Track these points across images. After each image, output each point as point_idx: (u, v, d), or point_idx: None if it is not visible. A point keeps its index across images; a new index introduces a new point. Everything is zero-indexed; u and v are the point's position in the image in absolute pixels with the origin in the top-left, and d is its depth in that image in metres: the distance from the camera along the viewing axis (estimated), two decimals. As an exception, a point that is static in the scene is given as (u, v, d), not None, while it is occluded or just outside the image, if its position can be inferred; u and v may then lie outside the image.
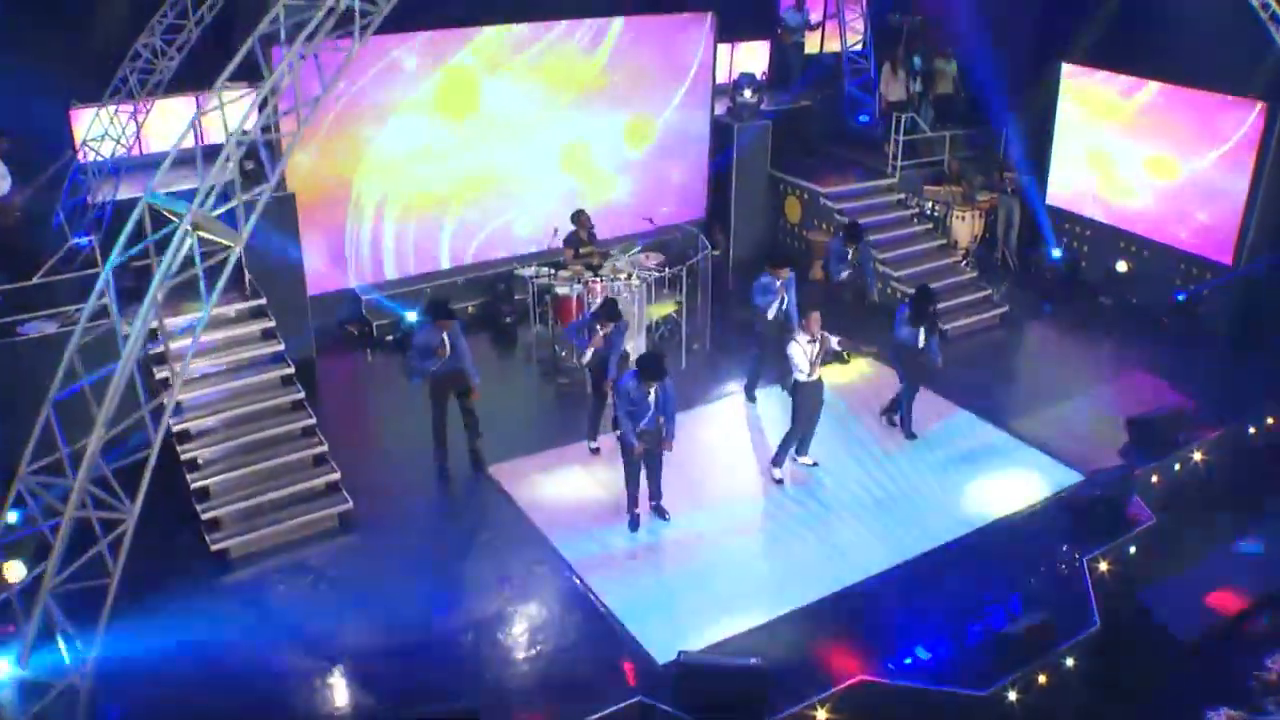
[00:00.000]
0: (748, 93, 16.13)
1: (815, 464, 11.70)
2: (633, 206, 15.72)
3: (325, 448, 11.09)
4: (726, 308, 15.16)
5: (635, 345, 13.15)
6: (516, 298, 14.86)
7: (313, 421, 11.26)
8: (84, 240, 11.60)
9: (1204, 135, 14.64)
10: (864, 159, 17.23)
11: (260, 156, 10.01)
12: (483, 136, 14.89)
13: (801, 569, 10.14)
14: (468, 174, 14.98)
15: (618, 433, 10.60)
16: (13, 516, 7.98)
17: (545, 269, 13.72)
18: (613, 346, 11.62)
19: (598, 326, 11.54)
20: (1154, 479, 11.52)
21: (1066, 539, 10.59)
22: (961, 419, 12.57)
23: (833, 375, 13.28)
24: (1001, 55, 15.99)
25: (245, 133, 7.74)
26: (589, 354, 11.72)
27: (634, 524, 10.72)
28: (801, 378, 11.14)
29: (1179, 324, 14.94)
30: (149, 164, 11.33)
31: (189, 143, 8.16)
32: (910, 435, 12.24)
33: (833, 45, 18.99)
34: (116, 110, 12.02)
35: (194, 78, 11.17)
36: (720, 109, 16.68)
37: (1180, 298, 14.94)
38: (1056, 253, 16.36)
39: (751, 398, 13.05)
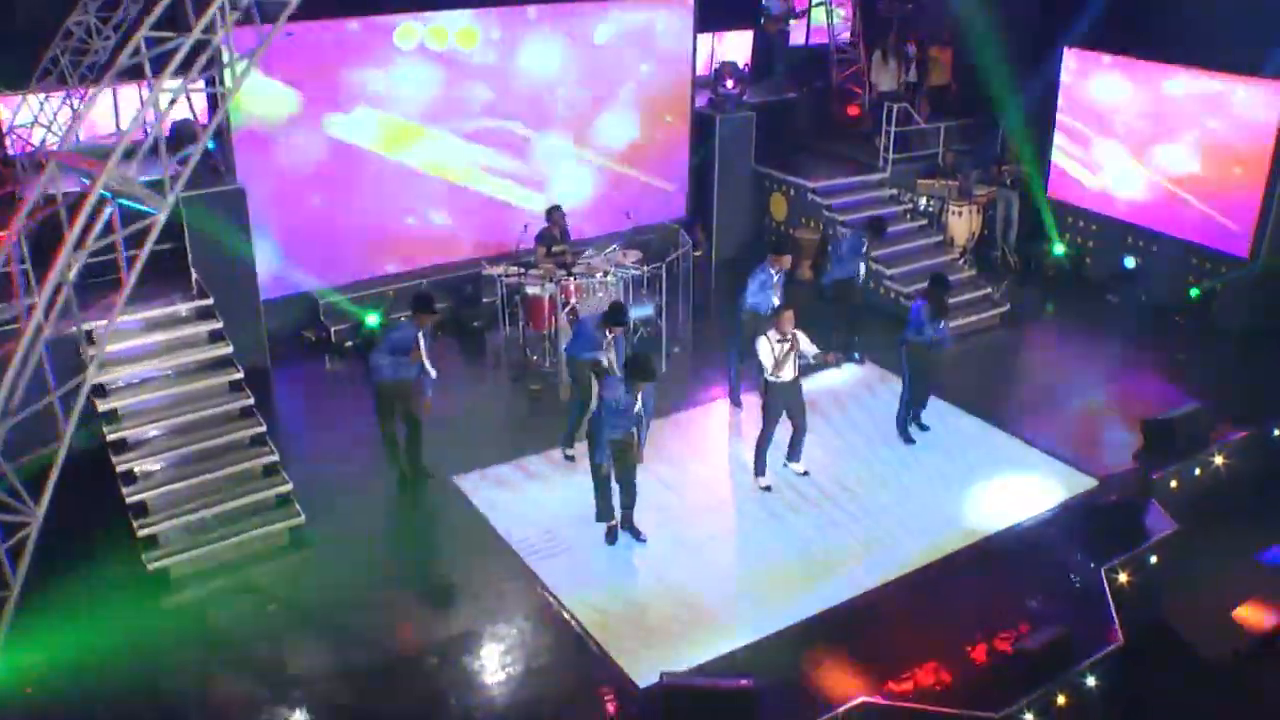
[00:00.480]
0: (729, 83, 15.74)
1: (806, 472, 11.22)
2: (608, 205, 15.31)
3: (276, 457, 10.55)
4: (709, 310, 14.78)
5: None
6: (484, 301, 14.38)
7: (263, 429, 10.72)
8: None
9: (1218, 121, 14.32)
10: (854, 153, 16.88)
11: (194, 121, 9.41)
12: (450, 130, 14.47)
13: (794, 583, 9.66)
14: (433, 171, 14.55)
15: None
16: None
17: (515, 268, 13.27)
18: (617, 352, 11.07)
19: (607, 332, 10.96)
20: (1172, 484, 11.06)
21: (1081, 548, 10.13)
22: (964, 423, 12.17)
23: (828, 378, 13.03)
24: (999, 42, 15.63)
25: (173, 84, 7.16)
26: (604, 359, 11.08)
27: (612, 537, 10.21)
28: (769, 377, 10.69)
29: (1193, 322, 14.60)
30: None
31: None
32: (909, 440, 11.83)
33: (819, 35, 18.67)
34: (47, 96, 11.51)
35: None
36: (701, 101, 16.30)
37: (1194, 294, 14.59)
38: (1059, 249, 16.03)
39: (737, 402, 12.59)
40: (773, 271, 12.03)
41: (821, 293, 13.62)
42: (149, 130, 7.13)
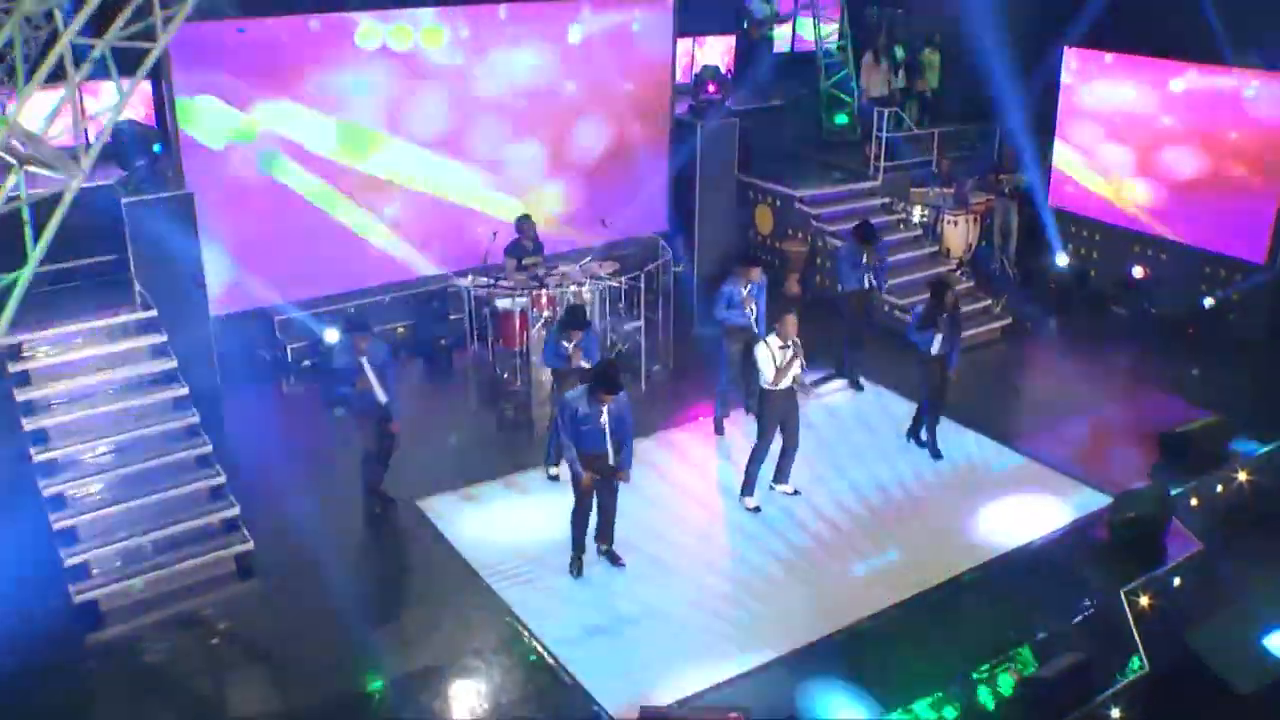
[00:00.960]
0: (711, 88, 15.36)
1: (796, 492, 10.71)
2: (584, 216, 14.82)
3: (223, 479, 9.99)
4: (692, 327, 14.33)
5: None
6: (452, 317, 13.86)
7: (209, 449, 10.17)
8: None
9: (1231, 119, 14.01)
10: (843, 161, 16.55)
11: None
12: (415, 136, 14.01)
13: (787, 609, 9.14)
14: (397, 179, 14.06)
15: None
16: None
17: (484, 280, 12.76)
18: (587, 356, 10.52)
19: (567, 340, 10.49)
20: (1193, 501, 10.63)
21: (1098, 568, 9.67)
22: (966, 439, 11.71)
23: (825, 395, 12.64)
24: (995, 43, 15.35)
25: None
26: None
27: (576, 569, 9.60)
28: (768, 385, 10.16)
29: (1207, 332, 14.22)
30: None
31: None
32: (937, 455, 11.37)
33: (805, 42, 18.37)
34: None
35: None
36: (682, 109, 15.92)
37: (1207, 303, 14.24)
38: (1062, 260, 15.67)
39: (719, 430, 12.01)
40: (741, 287, 11.43)
41: (835, 308, 13.21)
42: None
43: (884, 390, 12.74)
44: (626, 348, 13.21)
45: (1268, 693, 8.68)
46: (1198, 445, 11.14)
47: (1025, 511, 10.51)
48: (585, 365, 10.31)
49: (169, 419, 10.40)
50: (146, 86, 13.17)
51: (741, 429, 11.69)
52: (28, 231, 6.68)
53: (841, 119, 17.36)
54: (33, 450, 9.75)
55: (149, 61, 7.48)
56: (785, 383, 10.19)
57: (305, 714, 8.03)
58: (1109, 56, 15.09)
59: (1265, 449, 11.41)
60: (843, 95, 17.44)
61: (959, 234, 15.16)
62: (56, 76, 7.93)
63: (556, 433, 10.73)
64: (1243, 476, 11.05)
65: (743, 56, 18.04)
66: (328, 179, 13.65)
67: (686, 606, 9.17)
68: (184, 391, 10.54)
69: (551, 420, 11.14)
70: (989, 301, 14.45)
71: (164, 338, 10.84)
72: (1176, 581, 9.72)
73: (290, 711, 8.06)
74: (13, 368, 10.19)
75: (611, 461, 9.24)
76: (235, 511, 9.85)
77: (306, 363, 13.36)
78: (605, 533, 9.68)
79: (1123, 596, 9.20)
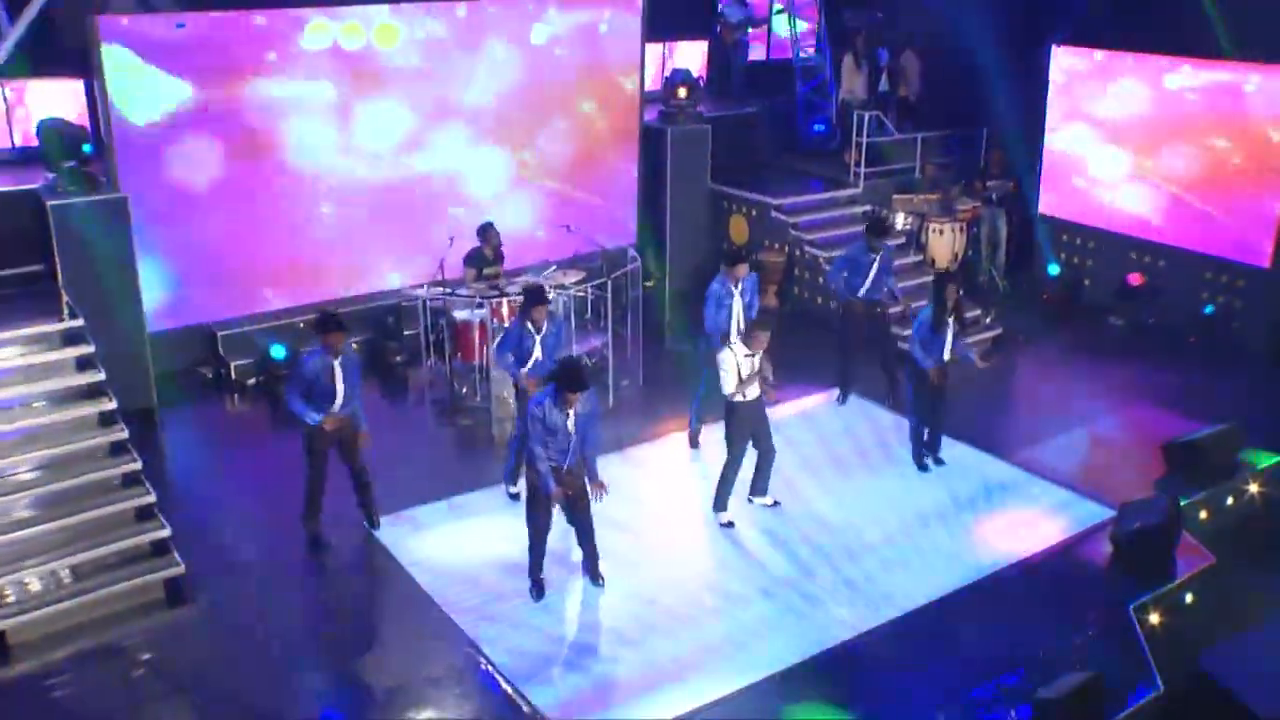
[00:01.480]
0: (682, 92, 15.00)
1: (776, 503, 10.24)
2: (548, 228, 14.36)
3: (153, 498, 9.40)
4: (663, 342, 13.98)
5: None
6: (407, 333, 13.35)
7: (138, 466, 9.58)
8: None
9: (1229, 115, 13.71)
10: (821, 169, 16.23)
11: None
12: (368, 141, 13.55)
13: (767, 631, 8.63)
14: (349, 186, 13.57)
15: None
16: None
17: (441, 289, 12.27)
18: (549, 352, 10.01)
19: (529, 323, 9.99)
20: (1202, 514, 10.20)
21: (1103, 584, 9.27)
22: (958, 452, 11.23)
23: (805, 406, 12.20)
24: (981, 44, 15.03)
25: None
26: (524, 371, 10.11)
27: (538, 592, 9.04)
28: (731, 392, 9.67)
29: (1209, 341, 13.90)
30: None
31: None
32: (923, 468, 10.94)
33: (782, 48, 18.13)
34: None
35: None
36: (652, 116, 15.56)
37: (1208, 311, 13.92)
38: (1054, 269, 15.37)
39: (694, 444, 11.51)
40: (732, 286, 10.92)
41: (828, 321, 12.83)
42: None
43: (867, 402, 12.27)
44: (594, 362, 12.72)
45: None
46: (1206, 456, 10.67)
47: (1023, 525, 10.06)
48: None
49: (94, 434, 9.81)
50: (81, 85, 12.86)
51: (721, 442, 11.11)
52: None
53: (820, 126, 17.04)
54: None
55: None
56: (753, 392, 9.74)
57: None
58: (1099, 54, 14.82)
59: (1277, 459, 10.98)
60: (821, 101, 17.13)
61: (945, 243, 14.77)
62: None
63: (516, 448, 10.32)
64: (1254, 488, 10.63)
65: (716, 62, 17.74)
66: (275, 186, 13.16)
67: (657, 631, 8.62)
68: (111, 405, 9.95)
69: (511, 436, 10.71)
70: (978, 312, 14.04)
71: (91, 348, 10.25)
72: (1189, 598, 9.26)
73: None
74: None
75: (574, 472, 8.70)
76: (165, 533, 9.24)
77: (252, 381, 12.82)
78: (588, 551, 9.13)
79: (1131, 613, 8.71)
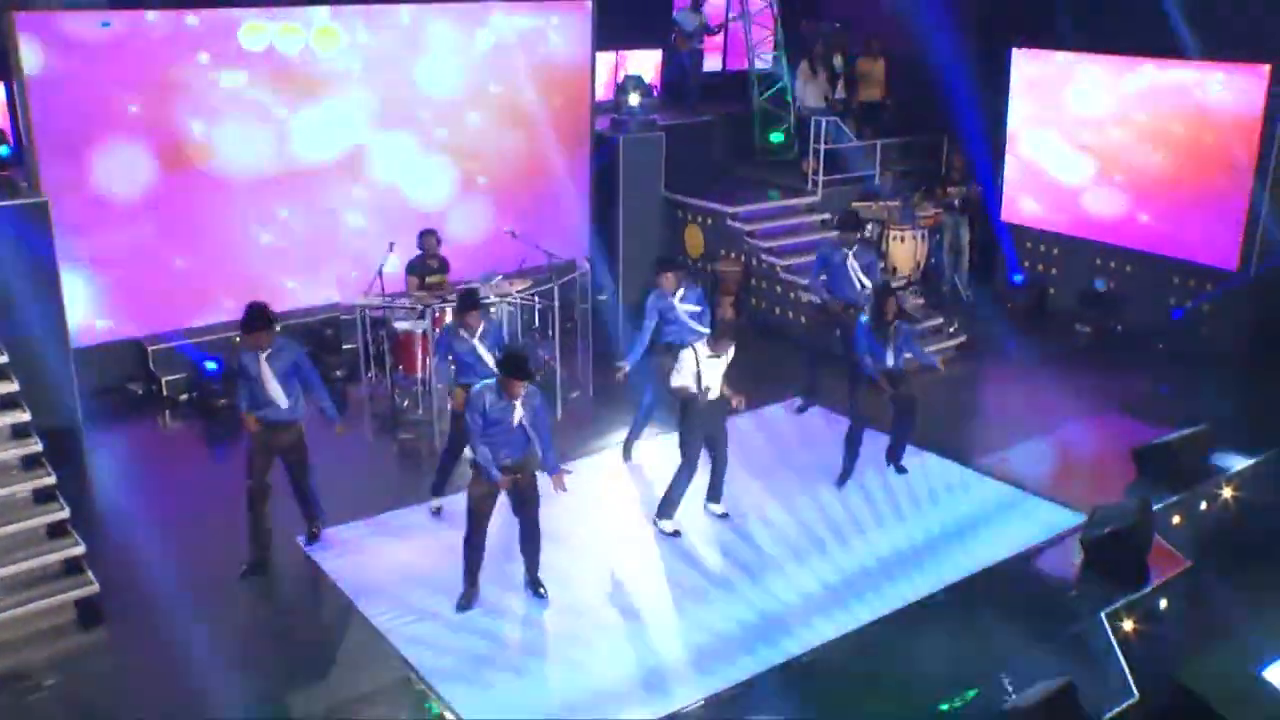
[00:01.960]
0: (634, 98, 14.74)
1: (726, 514, 9.89)
2: (495, 240, 13.80)
3: (66, 514, 8.91)
4: (615, 356, 13.46)
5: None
6: (347, 347, 12.95)
7: (51, 481, 9.10)
8: None
9: (1193, 115, 13.52)
10: (779, 178, 16.02)
11: None
12: (307, 148, 13.17)
13: (719, 643, 8.25)
14: (288, 196, 13.18)
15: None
16: None
17: (379, 299, 11.85)
18: (492, 346, 9.64)
19: (465, 331, 9.65)
20: (1175, 519, 9.88)
21: (1074, 590, 8.98)
22: (922, 459, 10.93)
23: (763, 415, 11.85)
24: (940, 49, 14.89)
25: None
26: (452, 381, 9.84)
27: (465, 603, 8.62)
28: (689, 394, 9.31)
29: (1179, 347, 13.67)
30: None
31: None
32: (842, 483, 10.51)
33: (738, 60, 17.97)
34: None
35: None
36: (604, 124, 15.31)
37: (1178, 316, 13.72)
38: (1018, 277, 15.18)
39: (627, 455, 11.13)
40: (670, 298, 10.45)
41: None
42: None
43: (828, 411, 11.93)
44: (541, 375, 12.32)
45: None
46: (1177, 459, 10.43)
47: (989, 532, 9.75)
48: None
49: (5, 447, 9.25)
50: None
51: (659, 456, 10.82)
52: None
53: (777, 136, 16.83)
54: None
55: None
56: (712, 394, 9.39)
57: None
58: (1060, 56, 14.65)
59: (1250, 462, 10.74)
60: (779, 111, 16.92)
61: (906, 250, 14.52)
62: None
63: (444, 462, 10.03)
64: (1228, 492, 10.34)
65: (671, 71, 17.53)
66: (209, 195, 12.74)
67: (598, 646, 8.22)
68: (25, 418, 9.45)
69: (443, 450, 10.33)
70: (940, 320, 13.82)
71: (5, 358, 9.80)
72: (1163, 604, 8.93)
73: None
74: None
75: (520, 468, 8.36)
76: (79, 550, 8.74)
77: (184, 397, 12.39)
78: (531, 556, 8.72)
79: (1104, 620, 8.37)
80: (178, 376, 12.47)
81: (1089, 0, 13.99)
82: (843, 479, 10.51)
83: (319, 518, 9.58)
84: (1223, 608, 8.94)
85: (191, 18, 12.32)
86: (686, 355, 9.34)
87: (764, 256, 14.31)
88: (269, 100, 12.89)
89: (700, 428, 9.49)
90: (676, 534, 9.59)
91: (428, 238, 12.19)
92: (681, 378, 9.32)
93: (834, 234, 12.13)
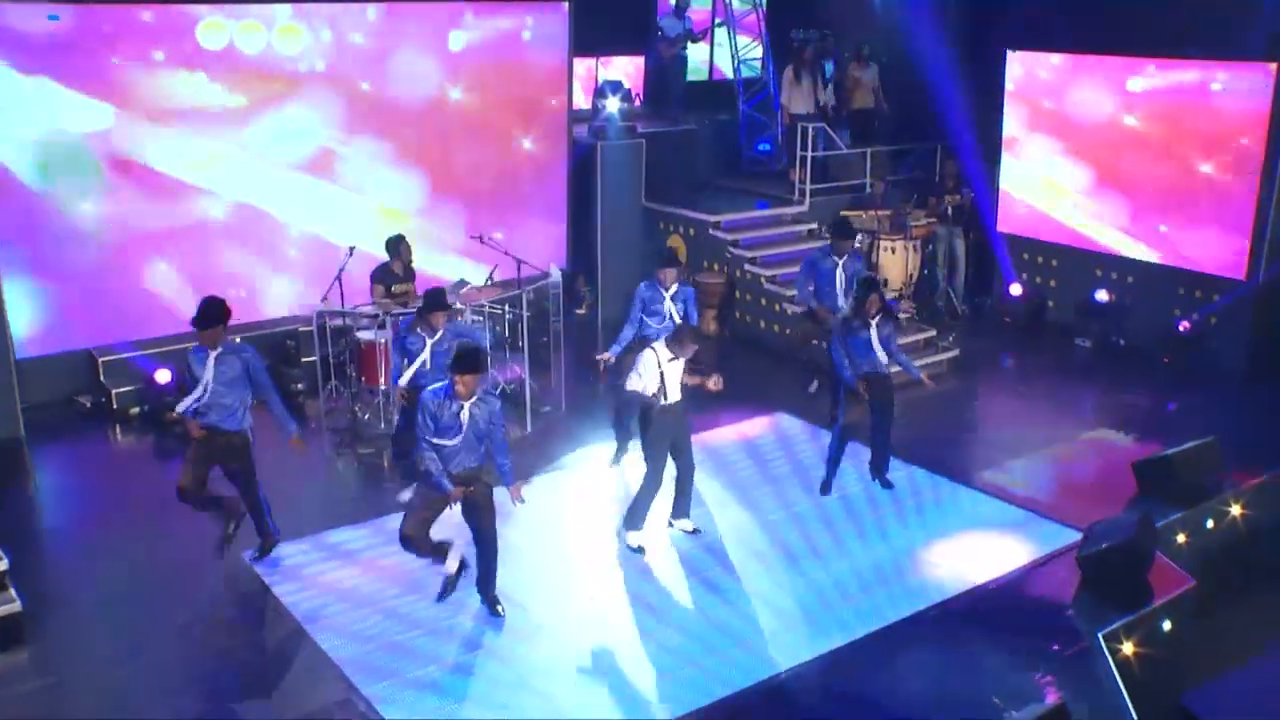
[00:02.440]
0: (612, 102, 14.41)
1: (696, 530, 9.45)
2: (469, 251, 13.36)
3: (-11, 528, 8.52)
4: (593, 370, 13.06)
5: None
6: (306, 359, 12.48)
7: (-22, 494, 8.73)
8: None
9: (1197, 117, 13.16)
10: (765, 189, 15.71)
11: None
12: (268, 152, 12.84)
13: (685, 665, 7.78)
14: (246, 201, 12.84)
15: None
16: None
17: (340, 309, 11.45)
18: (439, 362, 9.25)
19: (419, 329, 9.35)
20: (1180, 537, 9.45)
21: (1071, 610, 8.50)
22: (909, 474, 10.53)
23: (740, 427, 11.54)
24: (930, 55, 14.57)
25: None
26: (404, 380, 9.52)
27: (445, 590, 8.30)
28: (650, 399, 8.87)
29: (1184, 361, 13.27)
30: None
31: None
32: (826, 490, 10.17)
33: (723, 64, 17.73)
34: None
35: None
36: (583, 132, 15.04)
37: (1182, 328, 13.29)
38: (1015, 290, 14.80)
39: (617, 460, 10.79)
40: (662, 290, 10.19)
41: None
42: None
43: (810, 424, 11.62)
44: (512, 388, 11.94)
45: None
46: (1180, 474, 9.93)
47: (978, 550, 9.32)
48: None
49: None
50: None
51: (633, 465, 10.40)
52: None
53: (765, 145, 16.52)
54: None
55: None
56: (673, 396, 8.94)
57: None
58: (1056, 57, 14.35)
59: (1258, 480, 10.24)
60: (766, 119, 16.63)
61: (897, 261, 14.12)
62: None
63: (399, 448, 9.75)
64: (1237, 510, 9.86)
65: (654, 79, 17.27)
66: (162, 199, 12.39)
67: (555, 668, 7.77)
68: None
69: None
70: (933, 333, 13.44)
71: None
72: (1166, 625, 8.40)
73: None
74: None
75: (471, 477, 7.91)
76: (2, 565, 8.22)
77: (135, 410, 11.99)
78: (486, 571, 8.24)
79: (1101, 641, 7.88)
80: (129, 389, 12.06)
81: (1087, -1, 13.68)
82: (825, 486, 10.12)
83: (270, 533, 9.12)
84: (1230, 629, 8.61)
85: (146, 13, 12.00)
86: (647, 356, 8.88)
87: (747, 267, 13.96)
88: (228, 101, 12.54)
89: (663, 433, 9.04)
90: (641, 550, 9.14)
91: (396, 244, 11.77)
92: (639, 380, 8.87)
93: (824, 241, 11.78)
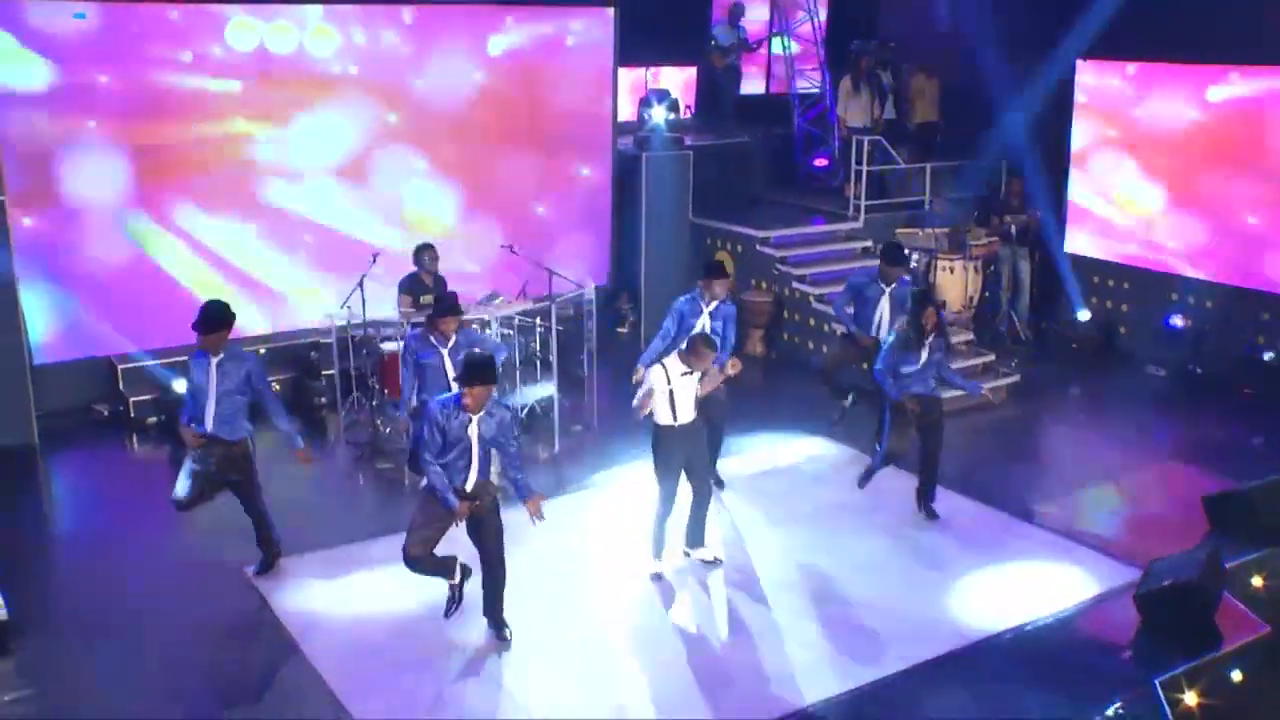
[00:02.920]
0: (658, 112, 14.17)
1: (716, 560, 9.01)
2: (503, 266, 13.06)
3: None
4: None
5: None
6: (327, 372, 12.23)
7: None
8: None
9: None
10: (820, 205, 15.29)
11: None
12: (296, 158, 12.72)
13: (703, 700, 7.38)
14: (277, 208, 12.72)
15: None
16: None
17: (362, 319, 11.20)
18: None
19: (431, 338, 9.05)
20: (1255, 580, 8.75)
21: (1125, 653, 8.04)
22: (957, 504, 10.03)
23: (780, 452, 11.19)
24: (996, 67, 14.13)
25: None
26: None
27: (451, 604, 7.95)
28: (660, 419, 8.50)
29: (1267, 392, 12.62)
30: None
31: None
32: (863, 483, 9.84)
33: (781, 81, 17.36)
34: None
35: None
36: (628, 144, 14.78)
37: (1266, 356, 12.73)
38: (1084, 315, 14.21)
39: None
40: (703, 304, 9.81)
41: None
42: None
43: (854, 450, 11.11)
44: (541, 407, 11.62)
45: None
46: (1256, 510, 9.37)
47: (1026, 584, 8.85)
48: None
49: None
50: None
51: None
52: None
53: (821, 160, 16.12)
54: None
55: None
56: (685, 416, 8.54)
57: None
58: (1131, 66, 13.84)
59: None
60: (823, 133, 16.23)
61: (956, 282, 13.56)
62: None
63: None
64: (1321, 553, 9.27)
65: (706, 90, 17.00)
66: (188, 204, 12.29)
67: (559, 698, 7.41)
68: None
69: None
70: (992, 358, 12.95)
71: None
72: (1236, 675, 7.82)
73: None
74: None
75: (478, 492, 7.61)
76: (-11, 574, 8.16)
77: (152, 420, 11.88)
78: (493, 591, 7.92)
79: (1158, 688, 7.33)
80: (147, 398, 11.95)
81: (1165, 2, 13.03)
82: (864, 479, 9.80)
83: (274, 546, 8.90)
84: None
85: (174, 12, 11.93)
86: (655, 373, 8.50)
87: (796, 285, 13.55)
88: (257, 105, 12.45)
89: (673, 454, 8.63)
90: (659, 576, 8.76)
91: (423, 253, 11.54)
92: (645, 396, 8.47)
93: (874, 266, 11.30)
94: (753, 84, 17.89)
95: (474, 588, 8.01)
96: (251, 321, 12.69)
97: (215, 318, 8.33)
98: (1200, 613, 8.08)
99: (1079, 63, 14.22)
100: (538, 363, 12.00)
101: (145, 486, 10.89)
